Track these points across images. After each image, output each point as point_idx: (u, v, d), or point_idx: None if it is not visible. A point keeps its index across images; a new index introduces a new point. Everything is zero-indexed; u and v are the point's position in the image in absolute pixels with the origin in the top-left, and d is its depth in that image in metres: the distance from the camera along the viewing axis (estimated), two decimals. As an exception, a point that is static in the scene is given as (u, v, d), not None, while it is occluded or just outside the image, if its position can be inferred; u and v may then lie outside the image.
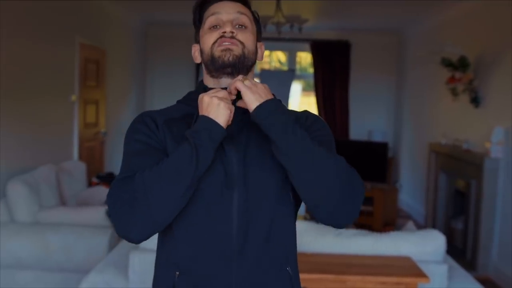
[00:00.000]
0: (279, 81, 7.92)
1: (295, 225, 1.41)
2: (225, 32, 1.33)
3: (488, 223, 4.84)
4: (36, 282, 3.85)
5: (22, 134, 4.52)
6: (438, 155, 6.09)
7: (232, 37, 1.33)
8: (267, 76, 7.99)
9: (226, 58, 1.32)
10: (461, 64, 5.25)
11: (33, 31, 4.64)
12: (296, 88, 8.77)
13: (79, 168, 5.01)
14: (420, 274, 2.51)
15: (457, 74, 5.38)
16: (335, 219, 1.25)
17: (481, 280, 3.35)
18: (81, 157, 5.65)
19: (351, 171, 1.25)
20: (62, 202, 4.47)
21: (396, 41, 8.49)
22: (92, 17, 6.05)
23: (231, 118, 1.27)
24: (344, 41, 8.38)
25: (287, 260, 1.35)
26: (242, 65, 1.34)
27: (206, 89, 1.37)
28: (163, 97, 8.36)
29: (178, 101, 1.44)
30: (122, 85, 7.30)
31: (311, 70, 8.62)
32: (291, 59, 8.68)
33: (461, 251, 5.23)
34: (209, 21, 1.36)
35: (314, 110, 8.60)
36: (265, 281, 1.30)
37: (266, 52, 8.95)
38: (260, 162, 1.31)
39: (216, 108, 1.24)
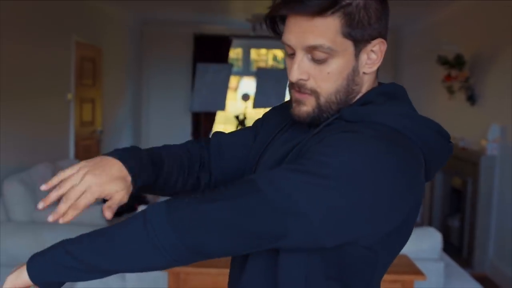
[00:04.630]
0: (275, 79, 7.90)
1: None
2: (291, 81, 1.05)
3: (484, 220, 4.84)
4: (32, 281, 3.84)
5: (18, 133, 4.50)
6: (434, 153, 6.09)
7: (300, 89, 1.04)
8: (263, 74, 7.98)
9: (296, 114, 1.06)
10: (457, 62, 5.26)
11: (28, 30, 4.63)
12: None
13: (75, 167, 4.99)
14: (417, 271, 2.51)
15: (453, 72, 5.39)
16: None
17: (477, 278, 3.36)
18: (77, 156, 5.64)
19: None
20: (59, 201, 4.46)
21: (392, 39, 8.49)
22: (88, 16, 6.03)
23: None
24: (341, 39, 8.37)
25: None
26: (317, 121, 1.05)
27: None
28: (160, 95, 8.35)
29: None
30: (119, 84, 7.29)
31: (307, 68, 8.61)
32: (288, 57, 8.67)
33: (457, 249, 5.24)
34: (285, 46, 1.06)
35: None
36: None
37: (263, 50, 8.96)
38: None
39: None
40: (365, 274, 1.05)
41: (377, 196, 0.93)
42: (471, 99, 5.23)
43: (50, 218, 0.99)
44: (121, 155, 1.04)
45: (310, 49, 1.00)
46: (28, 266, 0.97)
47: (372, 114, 1.01)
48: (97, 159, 1.03)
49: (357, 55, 1.02)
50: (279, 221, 0.90)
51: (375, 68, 1.06)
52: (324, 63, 1.01)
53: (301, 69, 1.02)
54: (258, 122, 1.28)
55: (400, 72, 8.16)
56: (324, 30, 0.98)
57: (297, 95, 1.05)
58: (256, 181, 0.93)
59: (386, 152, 0.94)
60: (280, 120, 1.19)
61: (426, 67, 6.61)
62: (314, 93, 1.03)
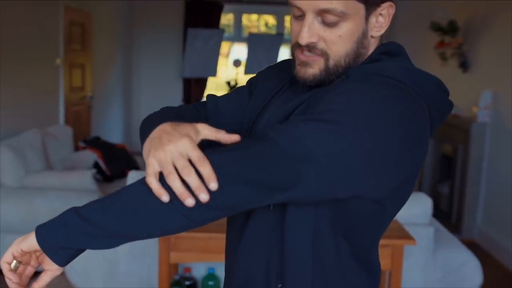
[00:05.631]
0: (267, 45, 7.83)
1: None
2: (298, 43, 1.02)
3: (474, 187, 4.89)
4: (23, 246, 3.84)
5: (7, 99, 4.45)
6: (425, 120, 6.10)
7: (310, 51, 1.02)
8: (255, 40, 7.90)
9: (301, 76, 1.05)
10: (451, 29, 5.22)
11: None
12: (284, 52, 8.70)
13: (65, 133, 4.96)
14: (407, 236, 2.53)
15: (447, 39, 5.35)
16: None
17: (465, 243, 3.39)
18: (67, 122, 5.60)
19: None
20: (49, 167, 4.44)
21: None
22: (76, -21, 5.91)
23: None
24: (333, 5, 8.28)
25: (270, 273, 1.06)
26: (323, 83, 1.04)
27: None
28: (150, 61, 8.26)
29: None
30: (109, 49, 7.19)
31: (299, 35, 8.53)
32: (280, 23, 8.58)
33: (447, 215, 5.29)
34: (292, 8, 1.04)
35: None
36: None
37: (254, 16, 8.85)
38: None
39: None
40: (372, 230, 1.07)
41: (385, 141, 0.93)
42: (464, 65, 5.21)
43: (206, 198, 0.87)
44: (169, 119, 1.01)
45: (321, 12, 0.99)
46: (37, 229, 0.94)
47: (379, 69, 1.02)
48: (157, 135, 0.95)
49: (367, 18, 1.02)
50: (290, 167, 0.89)
51: (382, 31, 1.06)
52: (335, 26, 1.00)
53: (311, 32, 1.01)
54: (252, 79, 1.27)
55: (393, 38, 8.03)
56: None
57: (303, 57, 1.03)
58: (266, 132, 0.92)
59: (395, 99, 0.95)
60: (278, 80, 1.18)
61: (419, 33, 6.56)
62: (325, 54, 1.02)
